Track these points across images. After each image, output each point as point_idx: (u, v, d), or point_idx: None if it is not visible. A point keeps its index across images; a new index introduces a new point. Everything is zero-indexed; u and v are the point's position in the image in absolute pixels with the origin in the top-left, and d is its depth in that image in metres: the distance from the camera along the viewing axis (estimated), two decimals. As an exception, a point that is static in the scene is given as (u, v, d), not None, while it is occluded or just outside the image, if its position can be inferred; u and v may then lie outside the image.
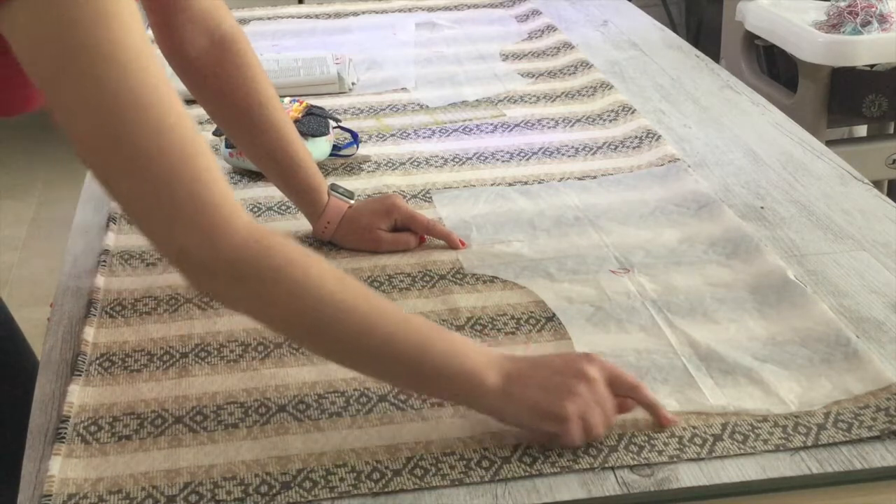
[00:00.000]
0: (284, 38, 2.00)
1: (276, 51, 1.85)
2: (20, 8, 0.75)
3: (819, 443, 0.86)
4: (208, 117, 1.46)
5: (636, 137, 1.47)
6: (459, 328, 1.04)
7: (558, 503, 0.82)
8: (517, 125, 1.54)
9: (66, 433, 0.89)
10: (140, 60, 0.78)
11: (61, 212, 2.96)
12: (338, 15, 2.15)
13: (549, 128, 1.53)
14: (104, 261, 1.17)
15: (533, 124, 1.55)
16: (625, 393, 0.87)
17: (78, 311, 1.09)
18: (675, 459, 0.85)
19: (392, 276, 1.14)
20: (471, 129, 1.54)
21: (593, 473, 0.84)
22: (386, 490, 0.83)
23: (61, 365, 1.01)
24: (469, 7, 2.19)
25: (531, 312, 1.06)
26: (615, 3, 2.20)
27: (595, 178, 1.36)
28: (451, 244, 1.19)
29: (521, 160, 1.42)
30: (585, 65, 1.76)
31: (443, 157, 1.44)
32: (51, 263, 2.29)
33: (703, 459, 0.85)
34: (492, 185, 1.35)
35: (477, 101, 1.65)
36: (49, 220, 3.14)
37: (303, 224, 1.24)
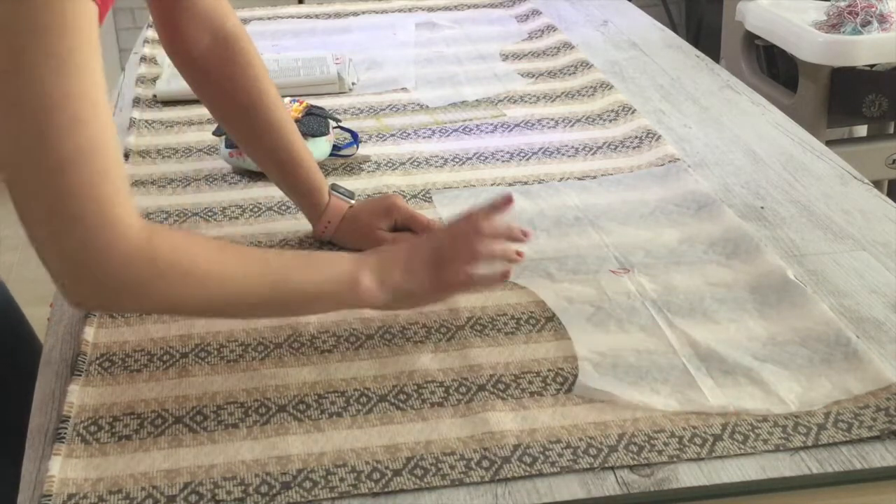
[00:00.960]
0: (284, 38, 2.00)
1: (276, 51, 1.85)
2: None
3: (819, 443, 0.86)
4: (209, 117, 1.46)
5: (636, 137, 1.47)
6: (459, 328, 1.04)
7: (558, 503, 0.82)
8: (517, 125, 1.54)
9: (66, 433, 0.89)
10: (86, 73, 0.77)
11: (61, 212, 2.95)
12: (338, 15, 2.15)
13: (549, 128, 1.53)
14: (104, 261, 1.17)
15: (533, 124, 1.54)
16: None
17: (78, 311, 1.09)
18: (675, 459, 0.85)
19: (392, 276, 1.14)
20: (471, 129, 1.54)
21: (593, 473, 0.84)
22: (386, 490, 0.83)
23: (61, 365, 1.01)
24: (469, 7, 2.19)
25: (531, 312, 1.06)
26: (615, 3, 2.20)
27: (595, 178, 1.36)
28: None
29: (521, 160, 1.42)
30: (585, 65, 1.76)
31: (443, 157, 1.44)
32: (51, 263, 2.29)
33: (703, 459, 0.85)
34: (492, 185, 1.35)
35: (477, 101, 1.65)
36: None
37: (303, 224, 1.24)
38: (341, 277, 0.95)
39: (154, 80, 1.75)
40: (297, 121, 1.39)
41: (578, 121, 1.55)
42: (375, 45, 1.94)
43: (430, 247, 1.00)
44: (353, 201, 1.22)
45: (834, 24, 2.10)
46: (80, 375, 0.98)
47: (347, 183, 1.30)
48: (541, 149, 1.46)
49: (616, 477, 0.84)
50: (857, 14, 2.07)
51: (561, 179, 1.36)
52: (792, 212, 1.25)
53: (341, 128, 1.46)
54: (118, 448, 0.89)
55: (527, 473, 0.84)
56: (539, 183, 1.35)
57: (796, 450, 0.86)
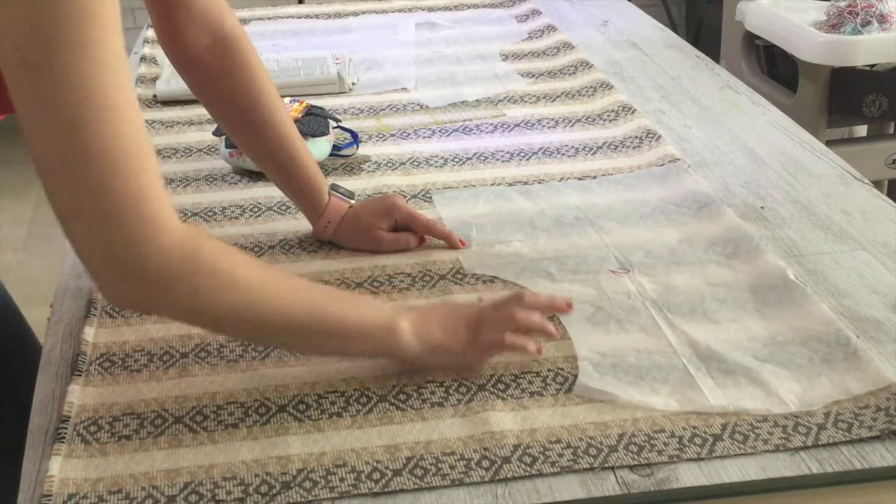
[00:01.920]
0: (284, 38, 2.00)
1: (276, 51, 1.85)
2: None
3: (819, 443, 0.86)
4: (209, 117, 1.46)
5: (636, 137, 1.47)
6: (459, 328, 1.04)
7: (558, 503, 0.82)
8: (517, 125, 1.54)
9: (66, 433, 0.89)
10: (115, 63, 0.77)
11: (61, 212, 2.95)
12: (338, 15, 2.15)
13: (549, 128, 1.53)
14: (104, 261, 1.17)
15: (533, 124, 1.54)
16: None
17: (78, 311, 1.09)
18: (675, 459, 0.85)
19: (392, 276, 1.14)
20: (471, 129, 1.54)
21: (593, 473, 0.84)
22: (386, 490, 0.83)
23: (61, 365, 1.01)
24: (469, 7, 2.19)
25: (531, 312, 1.06)
26: (615, 3, 2.20)
27: (595, 178, 1.36)
28: (451, 244, 1.19)
29: (521, 160, 1.42)
30: (585, 65, 1.76)
31: (443, 157, 1.44)
32: (51, 263, 2.29)
33: (703, 459, 0.85)
34: (492, 185, 1.35)
35: (477, 101, 1.65)
36: (49, 220, 3.11)
37: (303, 224, 1.24)
38: (379, 320, 0.93)
39: (154, 80, 1.75)
40: (297, 121, 1.39)
41: (578, 121, 1.55)
42: (375, 45, 1.94)
43: (470, 310, 0.98)
44: (352, 201, 1.22)
45: (834, 24, 2.10)
46: (80, 375, 0.98)
47: (347, 183, 1.30)
48: (541, 149, 1.46)
49: (616, 477, 0.84)
50: (857, 14, 2.07)
51: (561, 179, 1.36)
52: (792, 212, 1.25)
53: (341, 128, 1.46)
54: (118, 448, 0.89)
55: (527, 473, 0.84)
56: (539, 183, 1.35)
57: (796, 450, 0.86)
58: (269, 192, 1.33)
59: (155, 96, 1.69)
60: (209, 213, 1.29)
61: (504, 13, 2.14)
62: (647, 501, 0.83)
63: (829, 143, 1.97)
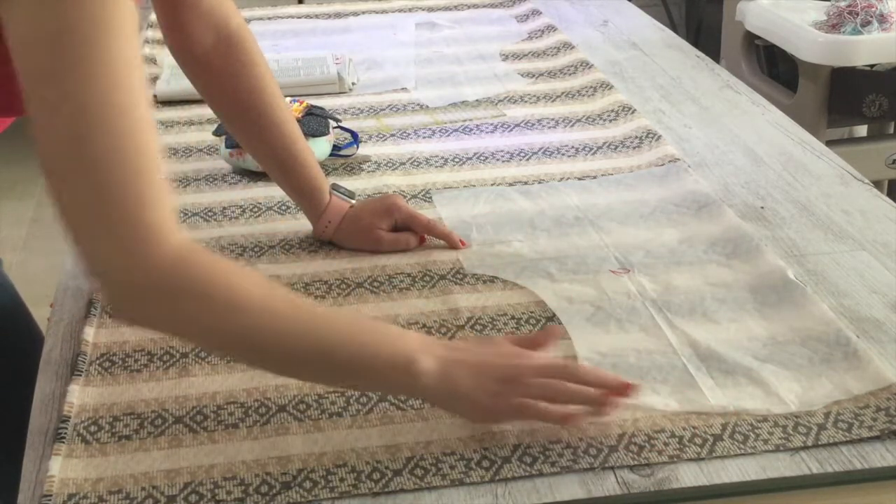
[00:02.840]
0: (284, 38, 2.00)
1: (276, 51, 1.85)
2: (20, 3, 0.75)
3: (819, 443, 0.86)
4: (209, 116, 1.46)
5: (636, 137, 1.47)
6: (459, 328, 1.04)
7: (558, 503, 0.82)
8: (517, 125, 1.54)
9: (66, 433, 0.89)
10: (128, 73, 0.77)
11: (61, 212, 2.95)
12: (338, 15, 2.15)
13: (549, 128, 1.53)
14: (104, 261, 1.17)
15: (533, 124, 1.54)
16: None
17: (78, 311, 1.09)
18: (675, 459, 0.85)
19: (392, 276, 1.14)
20: (471, 129, 1.54)
21: (593, 473, 0.84)
22: (386, 490, 0.83)
23: (61, 365, 1.01)
24: (469, 7, 2.18)
25: (531, 312, 1.06)
26: (615, 3, 2.20)
27: (595, 178, 1.36)
28: (452, 244, 1.19)
29: (521, 160, 1.42)
30: (585, 65, 1.76)
31: (443, 157, 1.44)
32: (51, 263, 2.29)
33: (703, 459, 0.85)
34: (492, 185, 1.35)
35: (477, 101, 1.65)
36: (49, 220, 3.12)
37: (303, 224, 1.24)
38: (396, 359, 0.83)
39: (154, 80, 1.75)
40: (297, 121, 1.39)
41: (578, 121, 1.55)
42: (375, 45, 1.94)
43: (508, 363, 0.87)
44: (353, 201, 1.22)
45: (834, 24, 2.10)
46: (80, 375, 0.98)
47: (347, 183, 1.30)
48: (541, 149, 1.46)
49: (616, 477, 0.84)
50: (857, 14, 2.07)
51: (561, 179, 1.36)
52: (792, 212, 1.25)
53: (341, 128, 1.46)
54: (118, 448, 0.89)
55: (527, 473, 0.84)
56: (539, 183, 1.35)
57: (796, 450, 0.86)
58: (269, 192, 1.33)
59: (155, 96, 1.69)
60: (209, 213, 1.29)
61: (504, 13, 2.14)
62: (647, 501, 0.83)
63: (829, 143, 1.97)
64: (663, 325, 1.03)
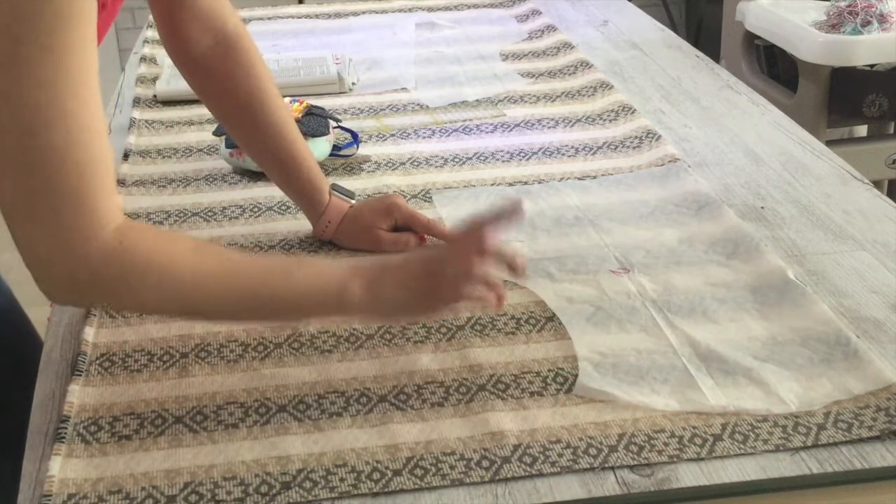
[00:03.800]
0: (284, 38, 2.00)
1: (276, 51, 1.85)
2: None
3: (819, 443, 0.86)
4: (209, 116, 1.46)
5: (636, 137, 1.47)
6: (459, 328, 1.04)
7: (558, 503, 0.82)
8: (517, 125, 1.54)
9: (66, 433, 0.89)
10: (81, 69, 0.78)
11: (61, 212, 2.94)
12: (338, 15, 2.15)
13: (549, 128, 1.53)
14: (104, 261, 1.17)
15: (533, 124, 1.54)
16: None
17: (78, 311, 1.09)
18: (675, 459, 0.85)
19: (392, 276, 1.14)
20: (471, 129, 1.54)
21: (593, 473, 0.84)
22: (386, 490, 0.83)
23: (61, 365, 1.01)
24: (469, 7, 2.19)
25: (531, 312, 1.06)
26: (615, 3, 2.20)
27: (595, 178, 1.36)
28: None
29: (521, 160, 1.42)
30: (585, 65, 1.76)
31: (443, 157, 1.44)
32: (51, 263, 2.29)
33: (703, 459, 0.85)
34: (492, 185, 1.35)
35: (477, 101, 1.65)
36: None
37: (303, 224, 1.24)
38: (328, 287, 0.91)
39: (154, 80, 1.75)
40: (297, 121, 1.39)
41: (578, 121, 1.55)
42: (375, 45, 1.94)
43: (425, 260, 0.96)
44: (353, 201, 1.22)
45: (834, 24, 2.10)
46: (80, 375, 0.98)
47: (347, 183, 1.30)
48: (541, 149, 1.46)
49: (616, 477, 0.84)
50: (857, 14, 2.07)
51: (561, 179, 1.36)
52: (792, 212, 1.25)
53: (341, 128, 1.46)
54: (118, 448, 0.89)
55: (527, 473, 0.84)
56: (539, 183, 1.35)
57: (796, 450, 0.86)
58: (269, 192, 1.33)
59: (155, 96, 1.69)
60: (209, 213, 1.29)
61: (504, 13, 2.14)
62: (647, 501, 0.83)
63: (829, 143, 1.97)
64: (663, 325, 1.03)
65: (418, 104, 1.65)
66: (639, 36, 1.97)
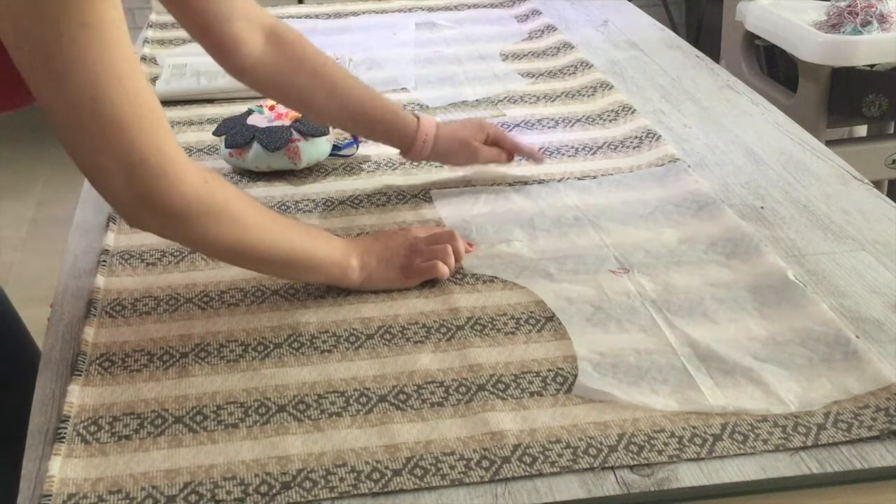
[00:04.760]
0: (284, 38, 2.00)
1: (276, 51, 1.85)
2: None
3: (819, 443, 0.86)
4: (209, 116, 1.46)
5: (636, 137, 1.47)
6: (459, 328, 1.04)
7: (558, 503, 0.82)
8: (517, 125, 1.54)
9: (66, 433, 0.89)
10: (119, 36, 0.85)
11: (61, 212, 2.96)
12: (338, 15, 2.15)
13: (549, 128, 1.53)
14: (104, 261, 1.17)
15: (533, 124, 1.55)
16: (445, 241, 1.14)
17: (78, 311, 1.09)
18: (675, 459, 0.85)
19: (392, 276, 1.14)
20: (471, 129, 1.53)
21: (593, 473, 0.84)
22: (386, 490, 0.83)
23: (61, 365, 1.01)
24: (469, 7, 2.19)
25: (531, 312, 1.06)
26: (615, 3, 2.20)
27: (595, 178, 1.36)
28: (536, 159, 1.36)
29: (520, 160, 1.42)
30: (585, 65, 1.76)
31: (443, 157, 1.44)
32: (51, 263, 2.29)
33: (703, 459, 0.85)
34: (492, 185, 1.35)
35: (477, 101, 1.65)
36: (49, 219, 3.14)
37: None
38: (336, 258, 1.07)
39: (154, 80, 1.75)
40: (297, 121, 1.39)
41: (578, 121, 1.55)
42: (375, 45, 1.94)
43: (403, 243, 1.12)
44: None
45: (834, 24, 2.10)
46: (80, 375, 0.98)
47: (347, 183, 1.30)
48: (541, 149, 1.45)
49: (616, 477, 0.84)
50: (857, 14, 2.07)
51: (561, 179, 1.36)
52: (792, 212, 1.25)
53: (341, 128, 1.46)
54: (118, 448, 0.89)
55: (527, 473, 0.84)
56: (539, 183, 1.35)
57: (796, 450, 0.86)
58: (269, 192, 1.33)
59: (155, 96, 1.68)
60: (209, 213, 1.29)
61: (504, 13, 2.14)
62: (647, 501, 0.83)
63: (829, 143, 1.97)
64: (663, 325, 1.03)
65: (418, 104, 1.65)
66: (639, 36, 1.97)
